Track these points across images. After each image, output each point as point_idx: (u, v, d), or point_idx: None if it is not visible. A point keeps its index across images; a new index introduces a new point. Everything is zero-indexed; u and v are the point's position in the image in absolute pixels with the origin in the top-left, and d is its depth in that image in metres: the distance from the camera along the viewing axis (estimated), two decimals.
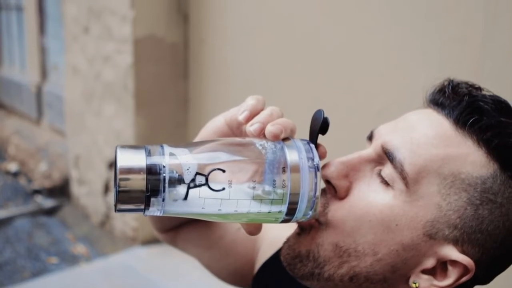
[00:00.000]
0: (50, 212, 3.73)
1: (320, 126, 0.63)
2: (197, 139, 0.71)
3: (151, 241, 3.01)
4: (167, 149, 0.58)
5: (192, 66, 2.62)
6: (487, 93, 0.66)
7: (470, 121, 0.62)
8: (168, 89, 2.74)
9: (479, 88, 0.67)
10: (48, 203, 3.81)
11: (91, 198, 3.46)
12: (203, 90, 2.57)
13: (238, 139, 0.62)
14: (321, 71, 1.87)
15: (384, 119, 1.64)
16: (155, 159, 0.57)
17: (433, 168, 0.61)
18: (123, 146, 0.59)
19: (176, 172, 0.56)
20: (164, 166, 0.56)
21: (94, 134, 3.22)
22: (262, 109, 0.64)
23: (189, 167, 0.57)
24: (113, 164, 3.00)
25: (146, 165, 0.56)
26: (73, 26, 3.22)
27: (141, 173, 0.56)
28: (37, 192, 3.97)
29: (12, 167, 4.47)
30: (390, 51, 1.62)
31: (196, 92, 2.62)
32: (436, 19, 1.49)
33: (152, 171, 0.56)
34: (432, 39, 1.50)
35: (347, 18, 1.74)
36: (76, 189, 3.65)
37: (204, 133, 0.71)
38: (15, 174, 4.39)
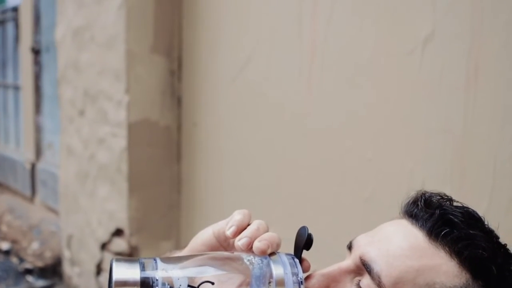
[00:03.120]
0: None
1: (304, 242, 0.67)
2: (186, 249, 0.75)
3: None
4: (160, 264, 0.62)
5: (185, 149, 2.68)
6: (458, 205, 0.71)
7: (442, 233, 0.66)
8: (161, 171, 2.78)
9: (451, 200, 0.72)
10: (39, 283, 3.75)
11: (84, 279, 3.42)
12: (195, 173, 2.61)
13: (226, 253, 0.67)
14: (310, 157, 1.93)
15: (372, 206, 1.68)
16: (149, 273, 0.61)
17: (409, 279, 0.64)
18: (118, 259, 0.62)
19: (168, 285, 0.60)
20: (157, 279, 0.60)
21: (88, 215, 3.22)
22: (248, 224, 0.69)
23: (180, 284, 0.61)
24: (105, 245, 2.99)
25: (140, 278, 0.60)
26: (69, 108, 3.29)
27: (136, 286, 0.60)
28: (28, 271, 3.91)
29: (4, 245, 4.43)
30: (377, 140, 1.68)
31: (189, 175, 2.66)
32: (419, 109, 1.56)
33: (145, 284, 0.60)
34: (416, 129, 1.57)
35: (336, 105, 1.81)
36: (68, 269, 3.62)
37: (193, 244, 0.74)
38: (7, 253, 4.34)
